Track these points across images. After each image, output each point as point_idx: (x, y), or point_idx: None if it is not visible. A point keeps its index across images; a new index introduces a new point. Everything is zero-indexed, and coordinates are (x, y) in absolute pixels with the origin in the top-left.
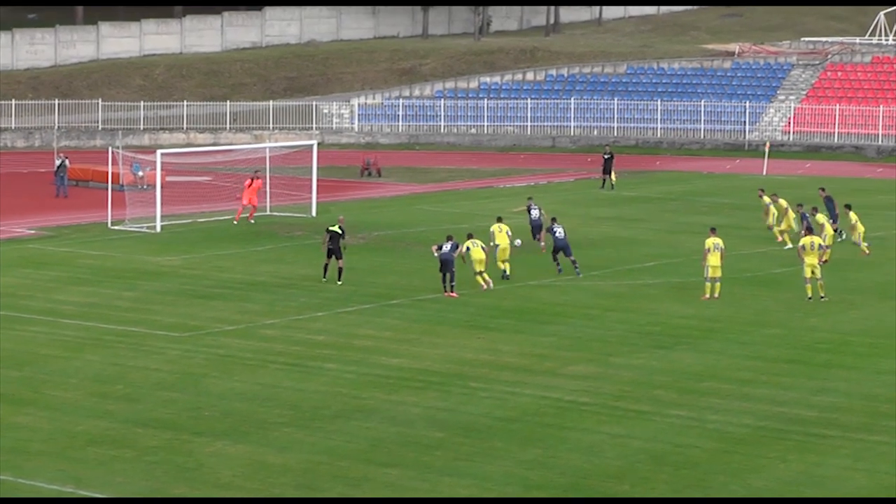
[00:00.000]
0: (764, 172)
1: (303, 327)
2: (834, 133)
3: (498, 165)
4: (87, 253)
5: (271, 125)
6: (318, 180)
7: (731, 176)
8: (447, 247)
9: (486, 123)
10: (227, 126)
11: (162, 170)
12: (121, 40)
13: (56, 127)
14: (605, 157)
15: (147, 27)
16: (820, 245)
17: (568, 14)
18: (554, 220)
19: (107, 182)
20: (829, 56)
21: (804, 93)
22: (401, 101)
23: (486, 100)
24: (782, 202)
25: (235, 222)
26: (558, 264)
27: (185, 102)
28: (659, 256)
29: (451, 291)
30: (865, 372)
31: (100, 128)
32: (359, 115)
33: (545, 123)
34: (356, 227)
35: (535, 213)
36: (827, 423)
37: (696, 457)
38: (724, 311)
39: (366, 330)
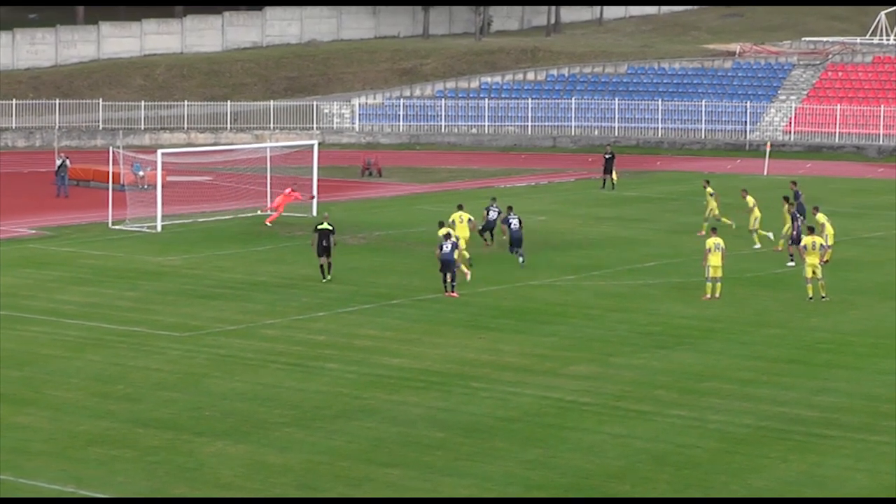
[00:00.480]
0: (765, 172)
1: (304, 327)
2: (835, 133)
3: (499, 165)
4: (88, 253)
5: (272, 125)
6: (318, 180)
7: (731, 176)
8: (447, 247)
9: (486, 123)
10: (228, 126)
11: (163, 170)
12: (121, 40)
13: (57, 127)
14: (607, 157)
15: (148, 27)
16: (822, 245)
17: (569, 14)
18: (510, 209)
19: (108, 182)
20: (830, 56)
21: (805, 93)
22: (401, 100)
23: (486, 100)
24: (749, 199)
25: (269, 224)
26: (519, 255)
27: (185, 102)
28: (660, 256)
29: (452, 291)
30: (866, 372)
31: (100, 128)
32: (359, 114)
33: (546, 123)
34: (357, 226)
35: (493, 214)
36: (828, 423)
37: (698, 457)
38: (725, 312)
39: (367, 330)
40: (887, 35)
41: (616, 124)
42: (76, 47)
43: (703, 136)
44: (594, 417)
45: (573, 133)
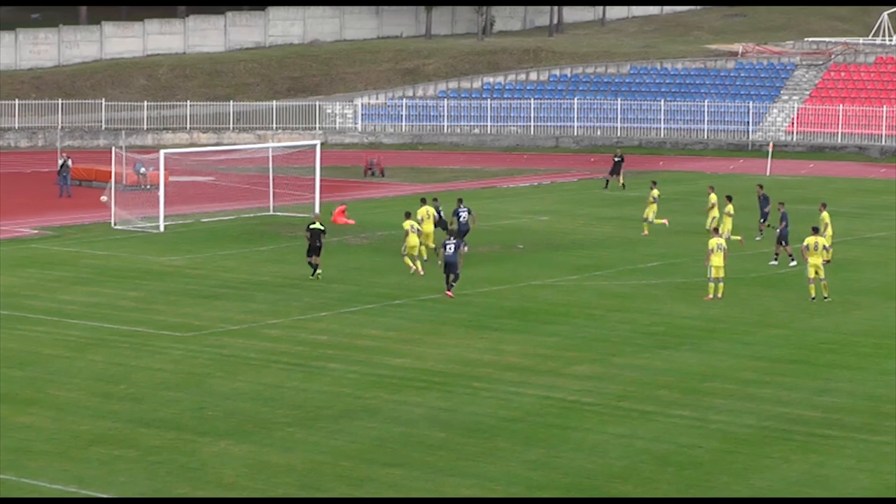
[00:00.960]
0: (767, 172)
1: (306, 327)
2: (837, 133)
3: (501, 165)
4: (91, 253)
5: (274, 125)
6: (321, 180)
7: (734, 176)
8: (451, 247)
9: (489, 123)
10: (231, 126)
11: (165, 170)
12: (124, 40)
13: (59, 127)
14: (616, 159)
15: (150, 27)
16: (824, 246)
17: (571, 14)
18: (460, 201)
19: (110, 182)
20: (833, 56)
21: (808, 93)
22: (404, 101)
23: (489, 100)
24: (712, 197)
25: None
26: (465, 245)
27: (188, 102)
28: (662, 256)
29: (449, 290)
30: (869, 372)
31: (103, 128)
32: (362, 114)
33: (548, 123)
34: (360, 227)
35: (463, 215)
36: (830, 423)
37: (700, 457)
38: (727, 312)
39: (369, 330)
40: (890, 35)
41: (618, 124)
42: (79, 47)
43: (705, 137)
44: (596, 417)
45: (576, 133)
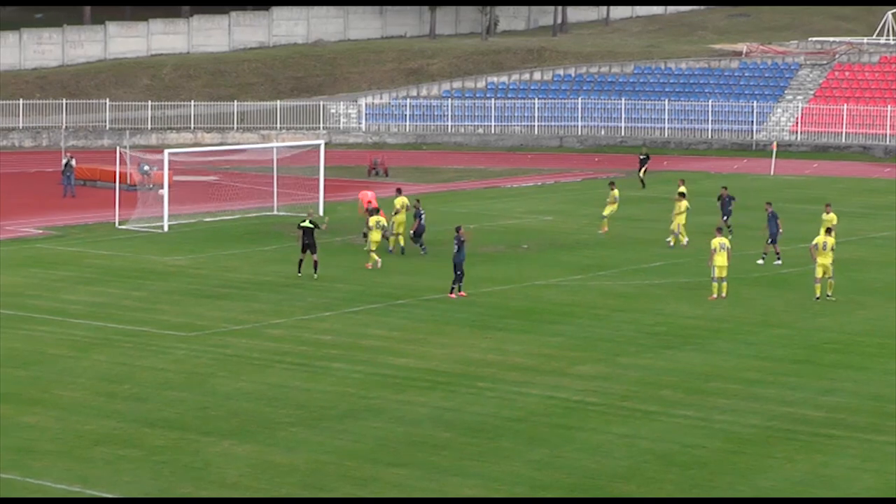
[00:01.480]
0: (771, 172)
1: (310, 327)
2: (842, 133)
3: (505, 165)
4: (95, 252)
5: (279, 125)
6: (325, 180)
7: (738, 176)
8: (457, 247)
9: (493, 123)
10: (235, 126)
11: (169, 169)
12: (128, 40)
13: (63, 127)
14: (641, 157)
15: (154, 27)
16: (832, 247)
17: (575, 14)
18: (418, 201)
19: (114, 182)
20: (837, 56)
21: (812, 93)
22: (408, 100)
23: (493, 99)
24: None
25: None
26: (423, 246)
27: (192, 102)
28: (666, 257)
29: (451, 292)
30: (873, 372)
31: (107, 127)
32: (366, 114)
33: (552, 123)
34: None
35: (424, 216)
36: (834, 423)
37: (704, 457)
38: (731, 312)
39: (373, 330)
40: (894, 35)
41: (622, 124)
42: (83, 47)
43: (709, 136)
44: (600, 417)
45: (580, 133)
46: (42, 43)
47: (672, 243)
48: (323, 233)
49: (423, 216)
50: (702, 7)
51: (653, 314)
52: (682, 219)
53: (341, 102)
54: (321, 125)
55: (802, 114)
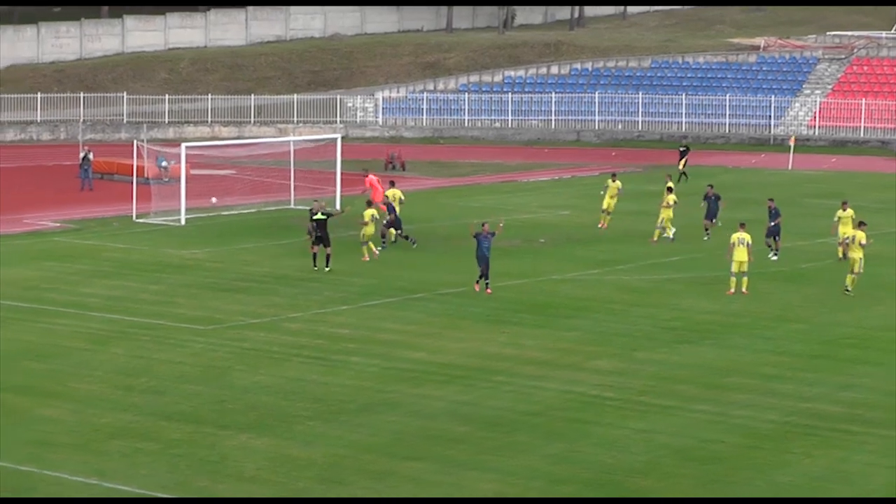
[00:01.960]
0: (789, 167)
1: (327, 321)
2: (860, 127)
3: (522, 159)
4: (112, 246)
5: (295, 119)
6: (342, 174)
7: (756, 171)
8: (486, 243)
9: (510, 117)
10: (252, 120)
11: (186, 163)
12: (145, 34)
13: (81, 120)
14: (681, 150)
15: (172, 21)
16: (860, 242)
17: (592, 8)
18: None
19: (132, 175)
20: (855, 50)
21: (830, 87)
22: (425, 94)
23: (510, 94)
24: (670, 184)
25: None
26: (409, 238)
27: (209, 96)
28: (682, 251)
29: (476, 284)
30: (891, 367)
31: (125, 121)
32: (383, 108)
33: (569, 117)
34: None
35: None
36: (853, 418)
37: (721, 452)
38: (748, 307)
39: (389, 324)
40: None
41: (640, 118)
42: (100, 41)
43: (727, 131)
44: (617, 412)
45: (597, 127)
46: (60, 37)
47: (656, 238)
48: (338, 227)
49: (394, 208)
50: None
51: (669, 309)
52: (669, 213)
53: (358, 96)
54: (338, 119)
55: (820, 108)
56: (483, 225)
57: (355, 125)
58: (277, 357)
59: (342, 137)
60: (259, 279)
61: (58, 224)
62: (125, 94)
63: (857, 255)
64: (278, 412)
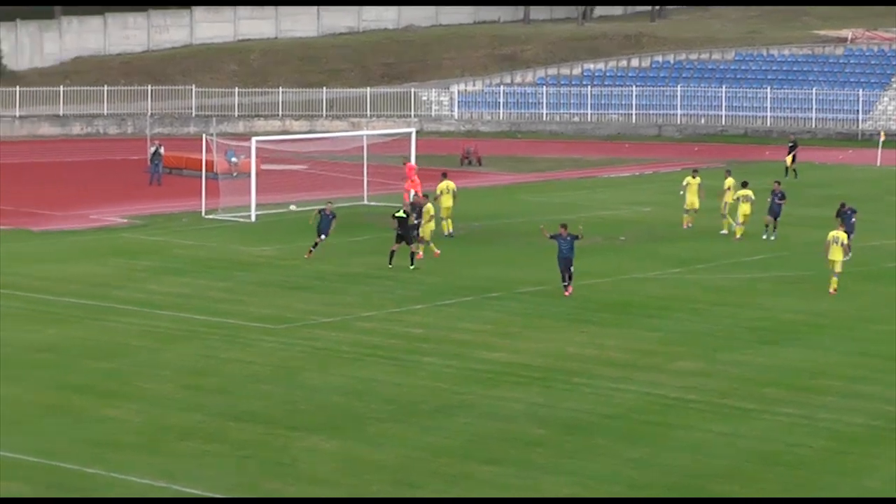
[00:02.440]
0: (878, 163)
1: (400, 320)
2: None
3: (601, 155)
4: (180, 242)
5: (369, 112)
6: (417, 169)
7: (843, 167)
8: (566, 244)
9: (589, 111)
10: (324, 113)
11: (257, 157)
12: (214, 25)
13: (149, 113)
14: (790, 144)
15: (241, 11)
16: None
17: None
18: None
19: (200, 170)
20: None
21: None
22: (502, 87)
23: (589, 87)
24: (728, 181)
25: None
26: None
27: (280, 89)
28: (767, 249)
29: (567, 288)
30: None
31: (193, 114)
32: (458, 102)
33: (651, 111)
34: (455, 217)
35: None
36: None
37: (807, 456)
38: (834, 307)
39: (465, 323)
40: None
41: (723, 113)
42: (168, 32)
43: (813, 125)
44: (699, 415)
45: (679, 122)
46: (127, 28)
47: (726, 231)
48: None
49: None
50: None
51: (753, 309)
52: (730, 196)
53: (433, 89)
54: (412, 113)
55: None
56: (561, 227)
57: (430, 119)
58: (349, 357)
59: (416, 132)
60: (331, 277)
61: (125, 220)
62: (194, 86)
63: None
64: (350, 413)
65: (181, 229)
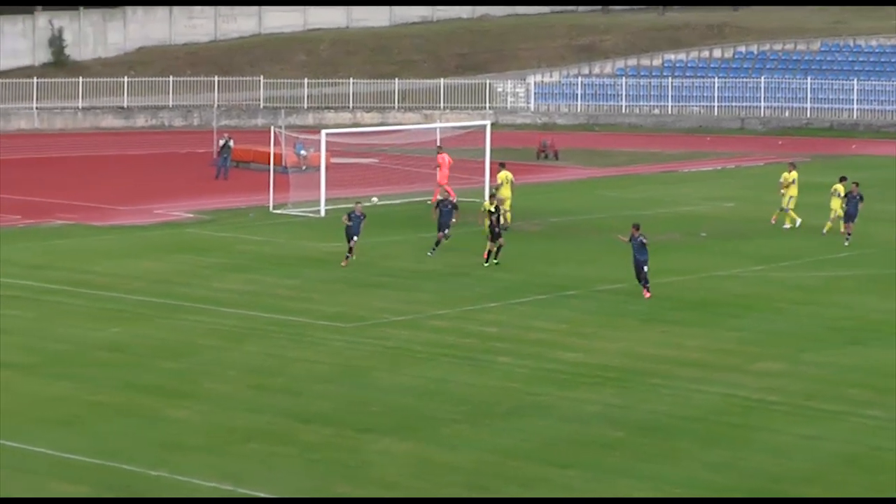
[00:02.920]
0: None
1: (474, 319)
2: None
3: (682, 148)
4: (247, 238)
5: (442, 104)
6: (491, 163)
7: None
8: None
9: (670, 104)
10: (396, 105)
11: (327, 151)
12: (283, 14)
13: (216, 105)
14: None
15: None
16: None
17: None
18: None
19: (268, 163)
20: None
21: None
22: (579, 79)
23: (670, 78)
24: (792, 175)
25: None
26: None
27: (350, 80)
28: (852, 247)
29: (644, 290)
30: None
31: (261, 106)
32: (535, 93)
33: (733, 104)
34: (532, 212)
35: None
36: None
37: (892, 461)
38: None
39: (540, 322)
40: None
41: (808, 105)
42: (236, 22)
43: None
44: (782, 417)
45: (762, 114)
46: (193, 17)
47: (788, 225)
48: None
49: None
50: None
51: (838, 308)
52: (794, 190)
53: (509, 81)
54: (487, 105)
55: None
56: (633, 228)
57: (505, 111)
58: (422, 357)
59: (492, 124)
60: (403, 274)
61: (190, 215)
62: (262, 77)
63: None
64: (422, 415)
65: (248, 225)
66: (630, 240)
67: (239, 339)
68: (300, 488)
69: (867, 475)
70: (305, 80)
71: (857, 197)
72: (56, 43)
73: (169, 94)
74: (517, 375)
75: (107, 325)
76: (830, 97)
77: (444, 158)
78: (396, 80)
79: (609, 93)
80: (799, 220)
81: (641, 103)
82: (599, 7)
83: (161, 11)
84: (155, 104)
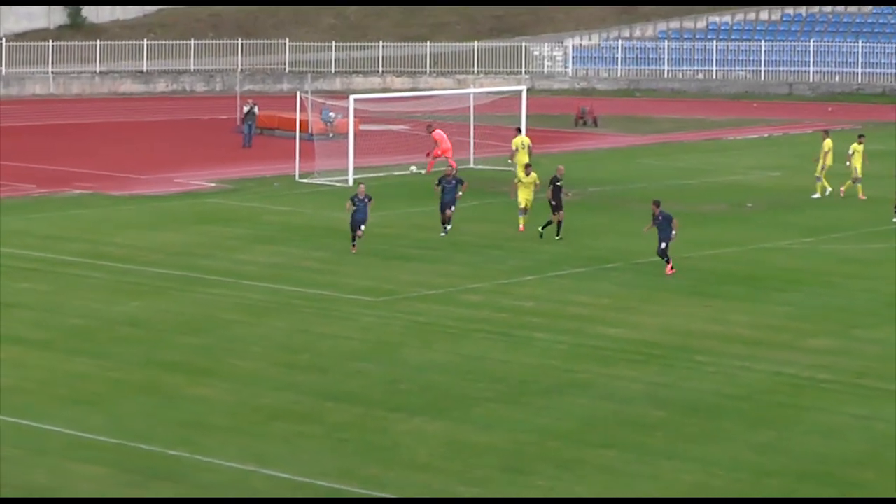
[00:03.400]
0: None
1: (510, 292)
2: None
3: (728, 115)
4: (273, 208)
5: (476, 69)
6: (527, 130)
7: None
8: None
9: (714, 68)
10: (428, 70)
11: (355, 117)
12: None
13: (239, 70)
14: None
15: None
16: None
17: None
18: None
19: (294, 130)
20: None
21: None
22: (620, 42)
23: (714, 41)
24: (827, 143)
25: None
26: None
27: (380, 43)
28: None
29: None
30: None
31: (287, 70)
32: (573, 57)
33: (781, 68)
34: (570, 181)
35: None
36: None
37: None
38: None
39: (579, 296)
40: None
41: (859, 70)
42: None
43: None
44: (833, 396)
45: (811, 79)
46: None
47: (818, 194)
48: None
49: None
50: None
51: (892, 282)
52: (830, 159)
53: (545, 44)
54: (523, 69)
55: None
56: (654, 204)
57: (542, 76)
58: (455, 332)
59: (528, 90)
60: (435, 246)
61: (213, 184)
62: (287, 40)
63: None
64: (455, 393)
65: (273, 194)
66: (654, 221)
67: (264, 313)
68: (327, 469)
69: None
70: (333, 44)
71: None
72: (73, 4)
73: (190, 57)
74: (555, 352)
75: (126, 298)
76: (883, 62)
77: (440, 134)
78: (428, 43)
79: (651, 56)
80: (829, 189)
81: (685, 68)
82: None
83: None
84: (176, 68)
